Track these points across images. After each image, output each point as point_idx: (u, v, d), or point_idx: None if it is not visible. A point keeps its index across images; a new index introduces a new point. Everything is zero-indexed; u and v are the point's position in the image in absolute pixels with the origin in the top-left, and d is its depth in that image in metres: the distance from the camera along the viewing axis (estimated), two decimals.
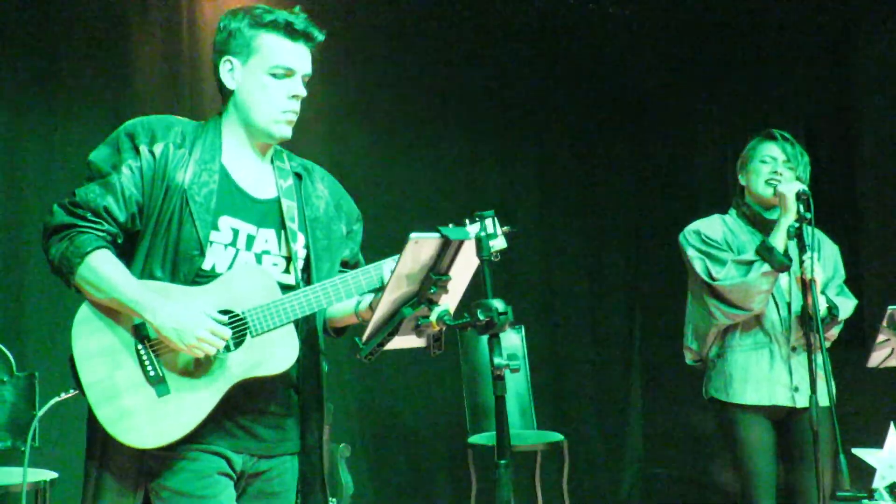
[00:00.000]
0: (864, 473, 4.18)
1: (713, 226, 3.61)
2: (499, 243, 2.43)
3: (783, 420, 3.50)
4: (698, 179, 5.71)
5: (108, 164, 2.30)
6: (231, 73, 2.37)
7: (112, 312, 2.25)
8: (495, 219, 2.41)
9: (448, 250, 2.26)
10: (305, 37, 2.39)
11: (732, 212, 3.67)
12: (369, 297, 2.40)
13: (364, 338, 2.32)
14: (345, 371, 5.06)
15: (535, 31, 5.77)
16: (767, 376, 3.47)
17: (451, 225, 2.26)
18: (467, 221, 2.37)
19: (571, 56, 5.87)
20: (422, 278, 2.27)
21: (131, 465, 2.27)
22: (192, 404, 2.24)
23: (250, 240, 2.36)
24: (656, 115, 5.91)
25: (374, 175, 5.28)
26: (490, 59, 5.65)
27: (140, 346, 2.24)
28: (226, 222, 2.33)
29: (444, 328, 2.28)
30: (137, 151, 2.29)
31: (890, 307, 3.46)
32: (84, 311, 2.26)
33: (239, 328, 2.27)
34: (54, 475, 3.97)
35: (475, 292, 2.23)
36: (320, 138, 5.23)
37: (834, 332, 3.57)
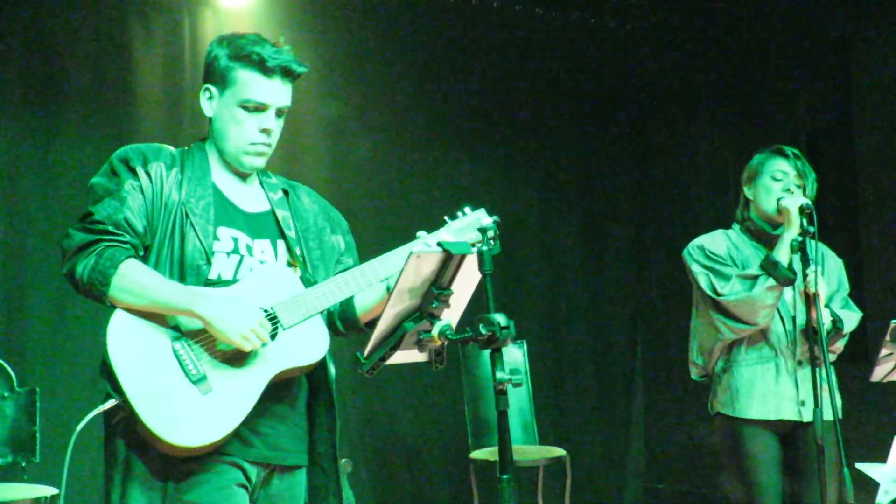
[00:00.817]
0: (868, 487, 4.15)
1: (717, 241, 3.59)
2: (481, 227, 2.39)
3: (789, 434, 3.47)
4: (700, 194, 5.69)
5: (111, 184, 2.34)
6: (209, 101, 2.44)
7: (146, 318, 2.27)
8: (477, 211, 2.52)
9: (450, 264, 2.25)
10: (282, 73, 2.41)
11: (736, 226, 3.64)
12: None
13: (366, 352, 2.30)
14: (347, 386, 5.03)
15: (537, 45, 5.76)
16: (773, 390, 3.44)
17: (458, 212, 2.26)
18: (460, 213, 2.49)
19: (573, 71, 5.86)
20: (423, 292, 2.26)
21: (156, 478, 2.26)
22: (235, 400, 2.27)
23: (249, 249, 2.41)
24: (657, 129, 5.90)
25: (375, 184, 5.27)
26: (493, 75, 5.64)
27: (179, 347, 2.26)
28: (225, 232, 2.39)
29: (445, 343, 2.27)
30: (135, 173, 2.35)
31: (893, 321, 3.43)
32: (117, 320, 2.26)
33: (271, 323, 2.31)
34: (55, 491, 3.93)
35: (477, 307, 2.20)
36: (321, 149, 5.23)
37: (839, 345, 3.54)
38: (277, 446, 2.37)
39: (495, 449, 2.79)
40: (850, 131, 5.22)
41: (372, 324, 2.46)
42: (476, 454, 4.85)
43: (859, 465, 4.13)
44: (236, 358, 2.29)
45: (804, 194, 3.48)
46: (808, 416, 3.33)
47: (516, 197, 5.70)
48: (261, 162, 2.45)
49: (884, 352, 3.48)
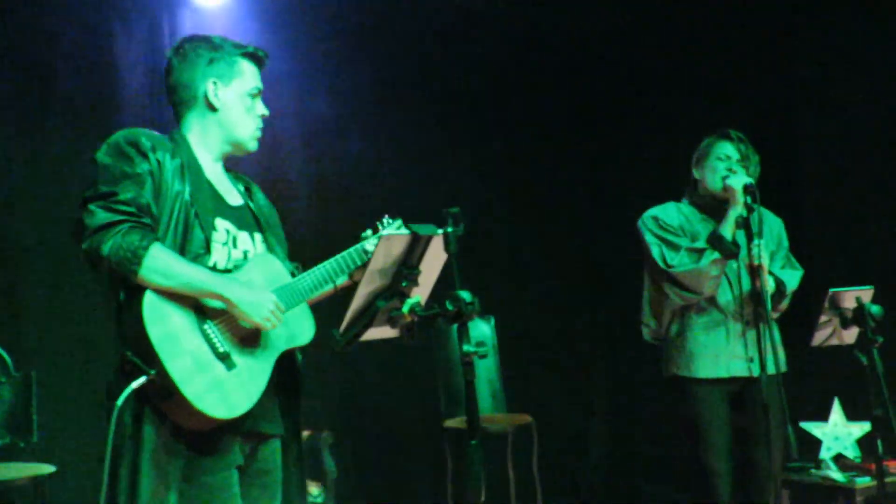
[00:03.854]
0: (812, 445, 4.24)
1: (670, 212, 3.67)
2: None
3: (739, 392, 3.55)
4: (655, 172, 5.73)
5: (127, 166, 2.34)
6: (216, 94, 2.51)
7: (174, 298, 2.28)
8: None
9: (418, 246, 2.29)
10: (264, 63, 2.62)
11: (685, 200, 3.72)
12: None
13: (341, 329, 2.35)
14: (326, 362, 5.06)
15: (504, 45, 5.75)
16: (725, 351, 3.54)
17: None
18: (385, 220, 2.67)
19: (534, 61, 5.86)
20: (394, 272, 2.31)
21: (170, 455, 2.27)
22: (254, 376, 2.35)
23: (234, 240, 2.47)
24: (613, 113, 5.94)
25: (353, 181, 5.27)
26: (456, 61, 5.62)
27: (206, 326, 2.31)
28: (221, 224, 2.45)
29: (415, 318, 2.32)
30: (146, 158, 2.36)
31: (831, 290, 3.51)
32: (149, 298, 2.26)
33: None
34: (52, 469, 3.94)
35: (447, 285, 2.25)
36: (296, 147, 5.23)
37: (784, 304, 3.65)
38: (264, 417, 2.42)
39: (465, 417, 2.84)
40: (791, 115, 5.31)
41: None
42: (449, 423, 4.90)
43: (803, 424, 4.23)
44: (249, 338, 2.37)
45: (748, 174, 3.55)
46: (757, 372, 3.42)
47: (485, 186, 5.71)
48: (257, 145, 2.60)
49: (823, 318, 3.56)
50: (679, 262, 3.52)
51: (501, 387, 5.19)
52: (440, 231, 2.29)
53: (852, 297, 3.47)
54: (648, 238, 3.62)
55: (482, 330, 5.23)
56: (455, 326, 2.24)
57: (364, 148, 5.36)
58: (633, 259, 3.79)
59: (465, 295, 2.18)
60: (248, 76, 2.54)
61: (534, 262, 5.91)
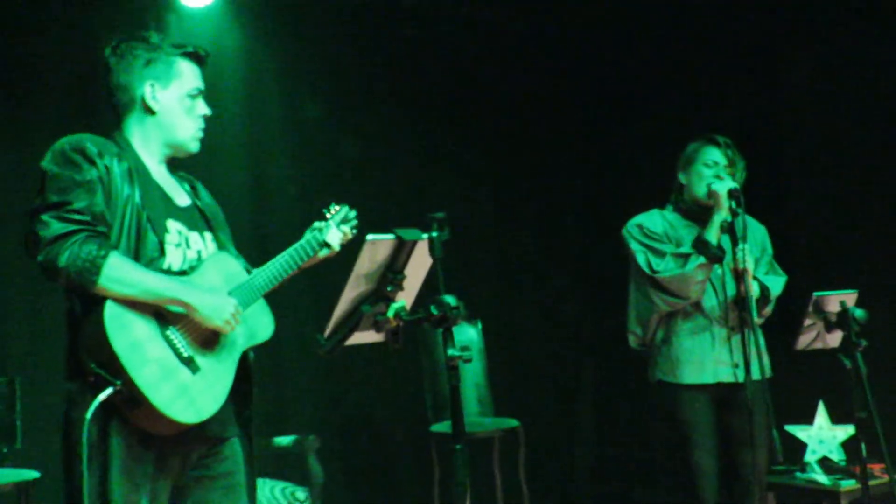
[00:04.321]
0: (797, 448, 4.25)
1: (654, 220, 3.67)
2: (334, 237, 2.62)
3: (725, 398, 3.55)
4: (641, 178, 5.74)
5: (76, 174, 2.30)
6: (153, 96, 2.46)
7: (134, 306, 2.26)
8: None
9: (403, 250, 2.29)
10: (205, 62, 2.56)
11: (670, 206, 3.72)
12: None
13: (326, 334, 2.34)
14: (313, 367, 5.04)
15: (492, 48, 5.75)
16: (710, 356, 3.54)
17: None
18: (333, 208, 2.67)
19: (521, 65, 5.86)
20: (379, 277, 2.30)
21: (137, 463, 2.26)
22: (219, 377, 2.35)
23: (187, 241, 2.46)
24: (603, 119, 5.94)
25: (336, 182, 5.24)
26: (443, 65, 5.61)
27: (169, 332, 2.29)
28: (173, 225, 2.42)
29: (401, 323, 2.32)
30: (94, 164, 2.32)
31: (815, 293, 3.52)
32: (110, 309, 2.23)
33: None
34: (37, 475, 3.91)
35: (433, 290, 2.25)
36: (283, 147, 5.21)
37: (768, 310, 3.65)
38: (223, 420, 2.41)
39: None
40: (778, 120, 5.33)
41: None
42: (436, 427, 4.89)
43: (788, 427, 4.23)
44: (210, 340, 2.36)
45: (734, 180, 3.56)
46: (742, 377, 3.42)
47: (473, 191, 5.70)
48: (199, 146, 2.55)
49: (807, 322, 3.57)
50: (665, 267, 3.52)
51: (488, 391, 5.18)
52: (425, 235, 2.29)
53: (836, 300, 3.48)
54: (633, 246, 3.62)
55: (469, 335, 5.22)
56: (440, 331, 2.23)
57: (350, 150, 5.34)
58: (621, 263, 3.79)
59: (450, 299, 2.18)
60: (187, 77, 2.49)
61: (521, 267, 5.91)
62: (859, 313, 3.41)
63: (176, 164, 2.61)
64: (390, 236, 2.29)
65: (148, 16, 4.79)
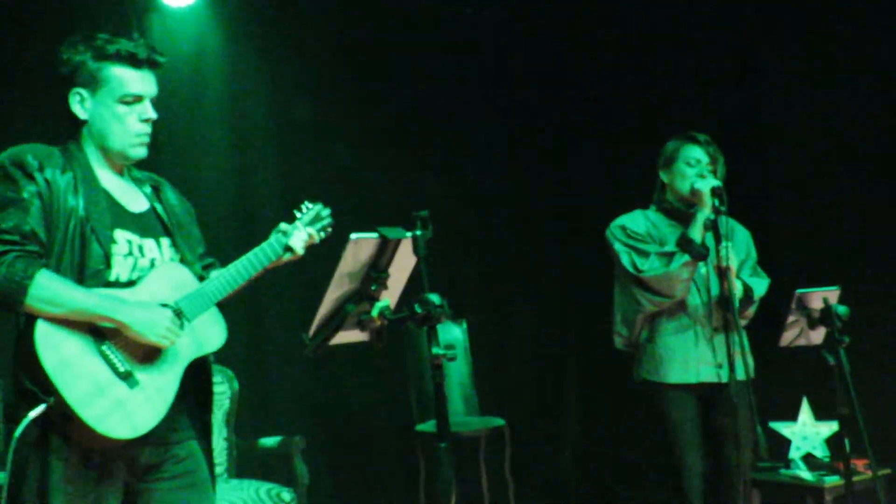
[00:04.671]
0: (781, 445, 4.27)
1: (637, 220, 3.66)
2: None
3: (709, 397, 3.55)
4: (623, 177, 5.75)
5: (10, 191, 2.27)
6: (81, 104, 2.39)
7: (67, 323, 2.23)
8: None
9: (386, 249, 2.28)
10: (149, 64, 2.42)
11: (653, 206, 3.72)
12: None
13: (310, 333, 2.32)
14: (298, 368, 5.02)
15: (474, 50, 5.75)
16: (694, 356, 3.54)
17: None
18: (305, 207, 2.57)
19: (504, 66, 5.86)
20: (362, 276, 2.29)
21: (78, 478, 2.24)
22: (160, 390, 2.30)
23: (140, 249, 2.40)
24: (586, 119, 5.95)
25: (317, 176, 5.22)
26: (429, 66, 5.61)
27: (104, 347, 2.25)
28: (121, 235, 2.37)
29: (385, 322, 2.30)
30: (32, 179, 2.28)
31: (798, 290, 3.53)
32: (41, 327, 2.21)
33: (178, 318, 2.34)
34: None
35: (418, 288, 2.24)
36: (268, 150, 5.18)
37: (751, 311, 3.65)
38: (171, 427, 2.37)
39: None
40: (759, 120, 5.36)
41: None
42: (421, 427, 4.88)
43: (773, 424, 4.25)
44: (152, 353, 2.31)
45: (716, 177, 3.56)
46: (726, 378, 3.42)
47: (457, 190, 5.69)
48: (145, 151, 2.44)
49: (790, 319, 3.58)
50: (649, 266, 3.51)
51: (474, 390, 5.17)
52: (409, 234, 2.28)
53: (819, 297, 3.49)
54: (617, 247, 3.61)
55: (454, 334, 5.21)
56: (425, 330, 2.23)
57: (335, 151, 5.32)
58: (606, 262, 3.79)
59: (434, 298, 2.18)
60: (119, 83, 2.37)
61: (506, 266, 5.90)
62: (842, 310, 3.43)
63: (152, 166, 2.55)
64: (374, 235, 2.27)
65: (129, 15, 4.75)
